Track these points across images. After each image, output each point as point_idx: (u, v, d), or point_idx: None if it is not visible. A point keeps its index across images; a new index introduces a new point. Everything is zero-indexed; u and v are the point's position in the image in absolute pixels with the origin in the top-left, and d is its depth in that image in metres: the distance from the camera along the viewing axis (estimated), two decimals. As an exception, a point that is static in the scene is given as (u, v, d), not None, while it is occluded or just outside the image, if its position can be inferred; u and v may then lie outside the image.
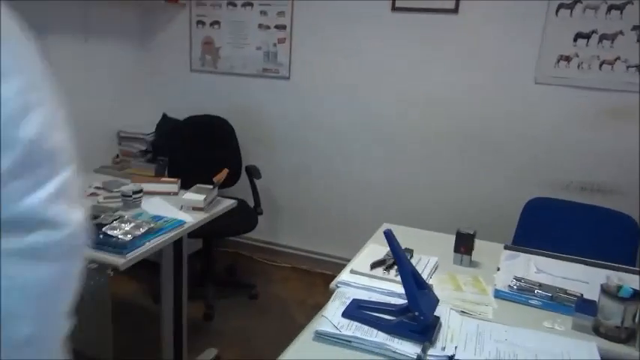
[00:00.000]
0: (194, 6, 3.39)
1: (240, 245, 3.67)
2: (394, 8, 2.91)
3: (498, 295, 1.47)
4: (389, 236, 1.28)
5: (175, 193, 2.24)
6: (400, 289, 1.43)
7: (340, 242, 3.39)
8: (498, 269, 1.62)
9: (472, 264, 1.69)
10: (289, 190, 3.46)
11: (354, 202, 3.30)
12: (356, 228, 3.32)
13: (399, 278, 1.48)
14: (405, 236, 1.46)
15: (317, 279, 3.36)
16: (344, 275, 1.53)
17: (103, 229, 1.68)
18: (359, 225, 3.31)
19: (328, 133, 3.26)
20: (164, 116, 3.42)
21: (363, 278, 1.51)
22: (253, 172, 2.97)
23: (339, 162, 3.28)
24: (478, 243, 1.71)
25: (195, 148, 3.08)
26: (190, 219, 1.97)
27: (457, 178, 3.02)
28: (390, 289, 1.44)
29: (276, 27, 3.20)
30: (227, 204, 2.22)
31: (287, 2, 3.14)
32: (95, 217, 1.84)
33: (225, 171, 2.21)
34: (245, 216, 2.86)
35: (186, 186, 2.33)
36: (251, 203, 3.04)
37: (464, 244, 1.69)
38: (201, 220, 2.02)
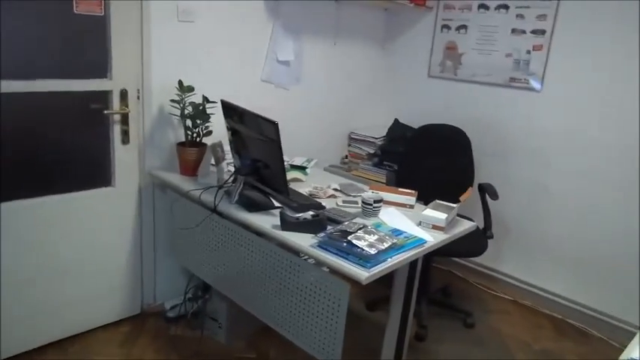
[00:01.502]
0: (441, 9, 3.24)
1: (454, 264, 3.43)
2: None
3: None
4: None
5: (412, 207, 2.12)
6: None
7: (574, 282, 2.90)
8: None
9: None
10: (522, 213, 3.08)
11: (600, 239, 2.77)
12: (597, 269, 2.81)
13: None
14: None
15: (543, 320, 2.93)
16: (636, 352, 1.20)
17: (349, 237, 1.64)
18: (601, 267, 2.79)
19: (579, 154, 2.79)
20: (396, 121, 3.37)
21: (669, 362, 1.15)
22: (489, 191, 2.70)
23: (587, 188, 2.78)
24: None
25: (425, 157, 2.94)
26: (431, 238, 1.82)
27: None
28: None
29: (533, 32, 2.85)
30: (467, 226, 2.03)
31: (550, 4, 2.76)
32: (337, 222, 1.83)
33: (470, 190, 2.01)
34: (474, 238, 2.61)
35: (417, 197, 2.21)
36: (479, 223, 2.77)
37: None
38: (441, 241, 1.86)
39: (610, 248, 2.76)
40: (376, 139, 3.31)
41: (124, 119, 2.32)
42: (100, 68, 2.22)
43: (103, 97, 2.26)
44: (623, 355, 1.18)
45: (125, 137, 2.34)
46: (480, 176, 3.10)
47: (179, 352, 2.36)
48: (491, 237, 2.70)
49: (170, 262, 2.63)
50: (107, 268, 2.44)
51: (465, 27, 3.14)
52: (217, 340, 2.47)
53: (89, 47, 2.19)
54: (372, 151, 3.33)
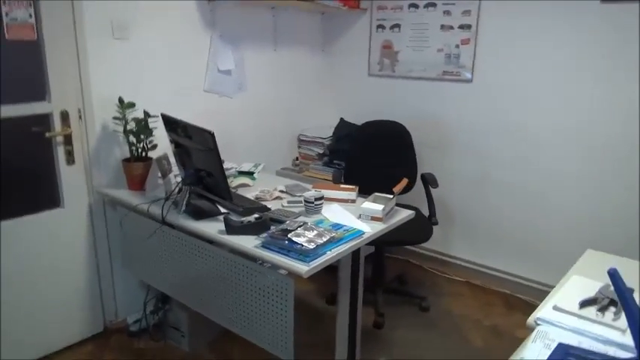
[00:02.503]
0: (375, 10, 3.38)
1: (410, 253, 3.57)
2: (604, -3, 2.51)
3: None
4: (614, 277, 1.06)
5: (353, 201, 2.23)
6: (621, 337, 1.20)
7: (520, 259, 3.09)
8: None
9: None
10: (465, 199, 3.25)
11: (539, 218, 2.96)
12: (539, 246, 3.00)
13: (618, 324, 1.24)
14: (619, 270, 1.21)
15: (493, 298, 3.10)
16: (545, 311, 1.33)
17: (289, 235, 1.73)
18: (542, 243, 2.98)
19: (513, 140, 2.97)
20: (341, 120, 3.49)
21: (571, 318, 1.29)
22: (430, 181, 2.85)
23: (524, 172, 2.97)
24: None
25: (371, 153, 3.06)
26: (369, 229, 1.93)
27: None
28: (606, 336, 1.20)
29: (460, 27, 3.01)
30: (405, 215, 2.15)
31: (474, 1, 2.93)
32: (280, 222, 1.92)
33: (405, 181, 2.13)
34: (420, 226, 2.76)
35: (362, 191, 2.32)
36: (425, 212, 2.92)
37: None
38: (380, 231, 1.97)
39: (548, 225, 2.94)
40: (324, 139, 3.42)
41: (67, 140, 2.35)
42: (39, 91, 2.24)
43: (44, 119, 2.28)
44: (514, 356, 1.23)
45: (70, 157, 2.37)
46: (424, 167, 3.25)
47: (143, 364, 2.40)
48: (436, 223, 2.84)
49: (128, 277, 2.66)
50: (65, 289, 2.45)
51: (398, 26, 3.28)
52: (181, 348, 2.52)
53: (26, 71, 2.21)
54: (321, 151, 3.43)
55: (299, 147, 3.56)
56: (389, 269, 3.27)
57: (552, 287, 1.49)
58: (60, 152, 2.34)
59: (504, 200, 3.08)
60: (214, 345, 2.56)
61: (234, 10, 2.93)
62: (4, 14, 2.08)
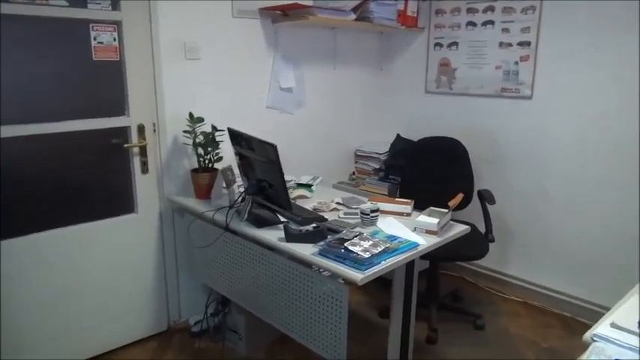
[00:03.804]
0: (432, 29, 3.44)
1: (466, 270, 3.54)
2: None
3: None
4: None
5: (408, 215, 2.28)
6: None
7: (581, 280, 2.99)
8: None
9: None
10: (523, 216, 3.20)
11: (601, 237, 2.87)
12: (601, 266, 2.90)
13: (679, 344, 1.22)
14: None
15: (552, 320, 3.02)
16: (603, 328, 1.33)
17: (345, 244, 1.81)
18: (605, 263, 2.88)
19: (573, 156, 2.91)
20: (398, 137, 3.54)
21: (630, 337, 1.28)
22: (487, 197, 2.84)
23: (584, 189, 2.89)
24: None
25: (427, 169, 3.10)
26: (424, 242, 1.97)
27: None
28: (666, 355, 1.19)
29: (519, 44, 3.01)
30: (460, 229, 2.17)
31: (533, 17, 2.93)
32: (336, 232, 2.00)
33: (460, 195, 2.15)
34: (476, 242, 2.75)
35: (417, 206, 2.36)
36: (481, 228, 2.90)
37: None
38: (434, 244, 2.00)
39: (611, 246, 2.84)
40: (380, 154, 3.48)
41: (143, 151, 2.55)
42: (119, 107, 2.46)
43: (123, 132, 2.50)
44: (588, 334, 1.30)
45: (144, 167, 2.57)
46: (480, 183, 3.24)
47: (203, 364, 2.54)
48: (493, 240, 2.82)
49: (191, 280, 2.83)
50: (134, 288, 2.64)
51: (456, 44, 3.32)
52: (238, 351, 2.64)
53: (108, 89, 2.44)
54: (377, 166, 3.50)
55: (355, 162, 3.65)
56: (443, 286, 3.26)
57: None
58: (136, 162, 2.55)
59: (564, 218, 3.01)
60: (270, 349, 2.66)
61: (296, 30, 3.08)
62: (92, 38, 2.32)
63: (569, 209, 2.99)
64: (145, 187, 2.60)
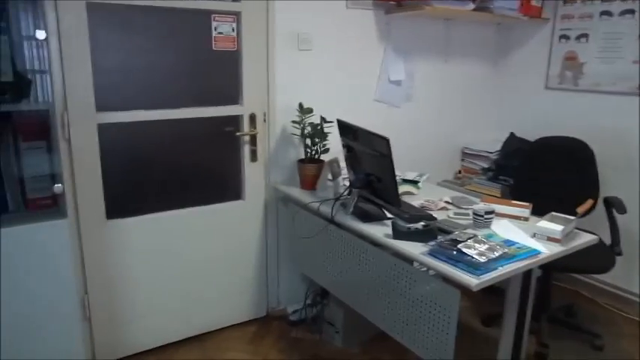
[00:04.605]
0: (559, 19, 3.15)
1: (581, 284, 3.23)
2: None
3: None
4: None
5: (526, 219, 2.11)
6: None
7: None
8: None
9: None
10: (656, 231, 2.84)
11: None
12: None
13: None
14: None
15: (686, 348, 2.66)
16: None
17: (459, 245, 1.70)
18: None
19: None
20: (511, 135, 3.31)
21: None
22: (616, 205, 2.55)
23: None
24: None
25: (544, 171, 2.85)
26: (545, 250, 1.81)
27: None
28: None
29: (665, 35, 2.66)
30: (587, 239, 1.96)
31: (684, 4, 2.57)
32: (447, 232, 1.89)
33: (590, 202, 1.96)
34: (600, 254, 2.49)
35: (533, 212, 2.17)
36: (606, 239, 2.62)
37: None
38: (556, 253, 1.83)
39: None
40: (490, 153, 3.28)
41: (253, 140, 2.62)
42: (234, 96, 2.54)
43: (235, 120, 2.57)
44: None
45: (253, 156, 2.63)
46: (606, 190, 2.92)
47: (299, 353, 2.55)
48: (620, 253, 2.53)
49: (292, 269, 2.86)
50: (238, 272, 2.73)
51: (585, 35, 3.02)
52: (334, 344, 2.63)
53: (224, 78, 2.52)
54: (486, 166, 3.31)
55: (462, 160, 3.48)
56: (555, 298, 3.00)
57: None
58: (246, 150, 2.62)
59: None
60: (366, 346, 2.61)
61: (409, 21, 2.98)
62: (213, 28, 2.41)
63: None
64: (252, 175, 2.66)
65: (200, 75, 2.46)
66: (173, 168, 2.49)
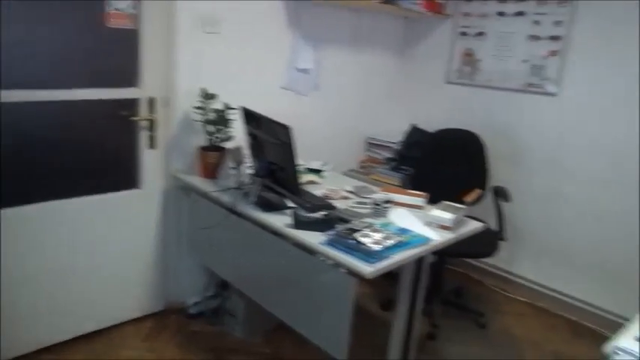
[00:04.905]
0: (460, 16, 3.31)
1: (471, 267, 3.47)
2: None
3: None
4: None
5: (421, 207, 2.20)
6: None
7: (591, 285, 2.93)
8: None
9: None
10: (537, 216, 3.11)
11: (616, 242, 2.78)
12: (614, 272, 2.82)
13: None
14: None
15: (558, 322, 2.95)
16: (626, 341, 1.25)
17: (355, 234, 1.74)
18: (619, 270, 2.80)
19: (596, 159, 2.81)
20: (413, 127, 3.45)
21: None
22: (502, 194, 2.75)
23: (604, 192, 2.80)
24: None
25: (441, 161, 3.01)
26: (437, 237, 1.90)
27: None
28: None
29: (551, 38, 2.89)
30: (474, 226, 2.09)
31: (568, 10, 2.80)
32: (346, 221, 1.92)
33: (478, 192, 2.08)
34: (486, 240, 2.67)
35: (432, 201, 2.28)
36: (493, 226, 2.82)
37: None
38: (447, 240, 1.93)
39: (625, 251, 2.76)
40: (393, 143, 3.40)
41: (151, 125, 2.48)
42: (130, 78, 2.38)
43: (132, 104, 2.42)
44: (609, 346, 1.23)
45: (152, 142, 2.50)
46: (496, 180, 3.14)
47: (199, 347, 2.49)
48: (504, 239, 2.74)
49: (192, 260, 2.77)
50: (133, 265, 2.59)
51: (483, 33, 3.20)
52: (235, 335, 2.59)
53: (120, 58, 2.35)
54: (389, 156, 3.41)
55: (367, 150, 3.56)
56: (446, 280, 3.19)
57: (625, 318, 1.40)
58: (144, 136, 2.48)
59: (579, 221, 2.93)
60: (269, 335, 2.61)
61: (318, 10, 2.97)
62: (108, 3, 2.22)
63: (587, 214, 2.90)
64: (150, 163, 2.53)
65: (95, 54, 2.27)
66: (65, 154, 2.29)
